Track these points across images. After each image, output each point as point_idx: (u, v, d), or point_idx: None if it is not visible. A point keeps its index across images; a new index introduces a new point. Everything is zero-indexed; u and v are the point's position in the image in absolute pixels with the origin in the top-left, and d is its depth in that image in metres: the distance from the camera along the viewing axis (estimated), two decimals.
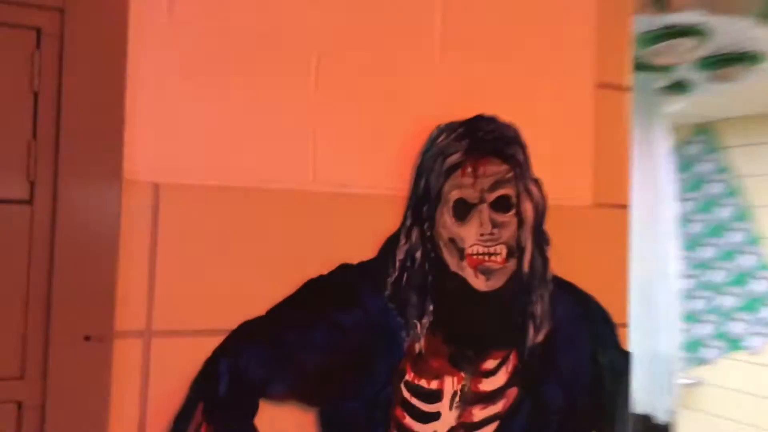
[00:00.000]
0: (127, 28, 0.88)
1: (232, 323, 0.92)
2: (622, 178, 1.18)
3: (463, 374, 1.03)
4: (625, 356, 1.16)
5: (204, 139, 0.91)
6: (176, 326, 0.90)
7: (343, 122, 0.99)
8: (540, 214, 1.08)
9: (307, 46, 0.97)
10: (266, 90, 0.95)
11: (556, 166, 1.12)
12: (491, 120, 1.05)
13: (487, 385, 1.05)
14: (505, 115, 1.07)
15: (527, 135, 1.08)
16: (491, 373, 1.06)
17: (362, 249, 0.98)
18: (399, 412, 1.00)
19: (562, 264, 1.11)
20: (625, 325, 1.17)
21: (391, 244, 1.00)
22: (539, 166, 1.09)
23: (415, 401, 1.01)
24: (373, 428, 0.98)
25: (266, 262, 0.94)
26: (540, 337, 1.09)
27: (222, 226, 0.92)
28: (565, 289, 1.11)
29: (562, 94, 1.13)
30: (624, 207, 1.17)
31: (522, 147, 1.07)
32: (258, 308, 0.93)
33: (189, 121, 0.91)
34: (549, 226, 1.10)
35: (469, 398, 1.04)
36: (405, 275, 1.01)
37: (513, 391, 1.07)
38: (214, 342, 0.91)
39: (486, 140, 1.05)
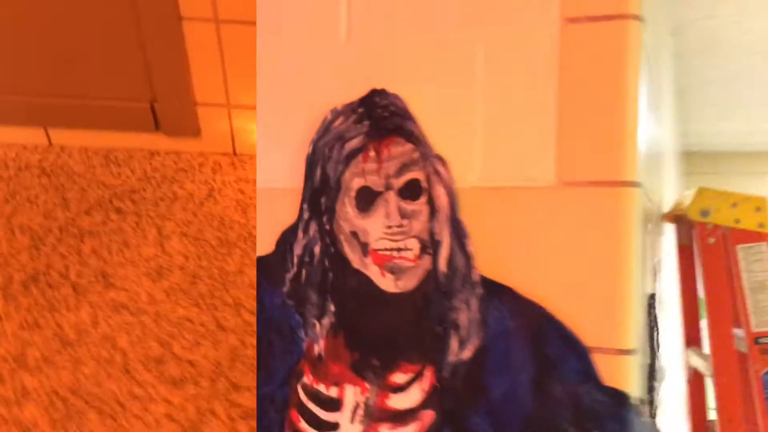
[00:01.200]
0: None
1: None
2: (615, 143, 0.83)
3: (367, 385, 0.91)
4: (611, 395, 0.81)
5: None
6: None
7: None
8: (453, 199, 0.87)
9: None
10: None
11: (494, 131, 0.87)
12: (383, 93, 0.90)
13: (397, 402, 0.90)
14: (421, 81, 0.90)
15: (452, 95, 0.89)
16: (401, 389, 0.90)
17: (263, 243, 0.98)
18: (294, 415, 0.95)
19: (508, 265, 0.86)
20: (627, 352, 0.82)
21: (288, 237, 0.96)
22: (460, 135, 0.88)
23: (311, 406, 0.94)
24: (267, 428, 0.96)
25: None
26: (466, 354, 0.87)
27: None
28: (499, 295, 0.85)
29: (509, 35, 0.87)
30: (618, 185, 0.83)
31: (414, 120, 0.88)
32: None
33: None
34: (491, 214, 0.87)
35: (375, 414, 0.90)
36: (303, 271, 0.95)
37: (429, 415, 0.88)
38: None
39: (385, 117, 0.90)
